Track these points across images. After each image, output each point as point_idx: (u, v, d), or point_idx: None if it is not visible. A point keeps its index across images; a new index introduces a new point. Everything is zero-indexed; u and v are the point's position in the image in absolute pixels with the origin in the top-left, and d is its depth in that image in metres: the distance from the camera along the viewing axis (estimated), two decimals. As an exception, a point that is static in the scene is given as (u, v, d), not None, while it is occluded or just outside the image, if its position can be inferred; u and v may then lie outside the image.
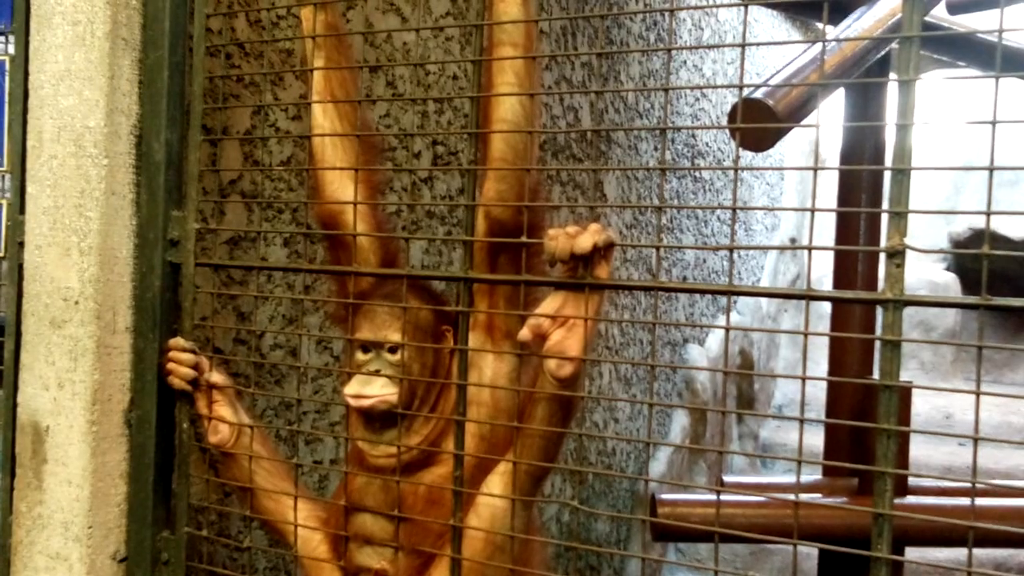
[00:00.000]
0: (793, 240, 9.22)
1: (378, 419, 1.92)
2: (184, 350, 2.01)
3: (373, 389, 1.89)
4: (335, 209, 2.03)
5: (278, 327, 2.66)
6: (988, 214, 1.43)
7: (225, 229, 2.40)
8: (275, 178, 2.63)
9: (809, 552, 3.54)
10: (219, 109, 2.12)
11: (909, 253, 1.48)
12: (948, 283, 9.49)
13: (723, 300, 7.14)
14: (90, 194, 2.00)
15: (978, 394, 1.44)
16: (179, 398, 2.04)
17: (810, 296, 1.56)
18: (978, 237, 9.35)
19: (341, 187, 2.02)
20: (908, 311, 1.47)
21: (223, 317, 2.43)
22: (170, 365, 2.01)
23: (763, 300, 8.41)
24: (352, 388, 1.89)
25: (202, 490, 2.22)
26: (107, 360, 2.02)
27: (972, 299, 1.43)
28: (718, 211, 6.98)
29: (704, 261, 6.77)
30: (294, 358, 2.66)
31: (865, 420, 3.08)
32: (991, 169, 1.42)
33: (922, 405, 7.93)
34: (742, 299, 7.98)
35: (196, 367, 2.00)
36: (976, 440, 1.46)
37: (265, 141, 2.53)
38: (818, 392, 3.64)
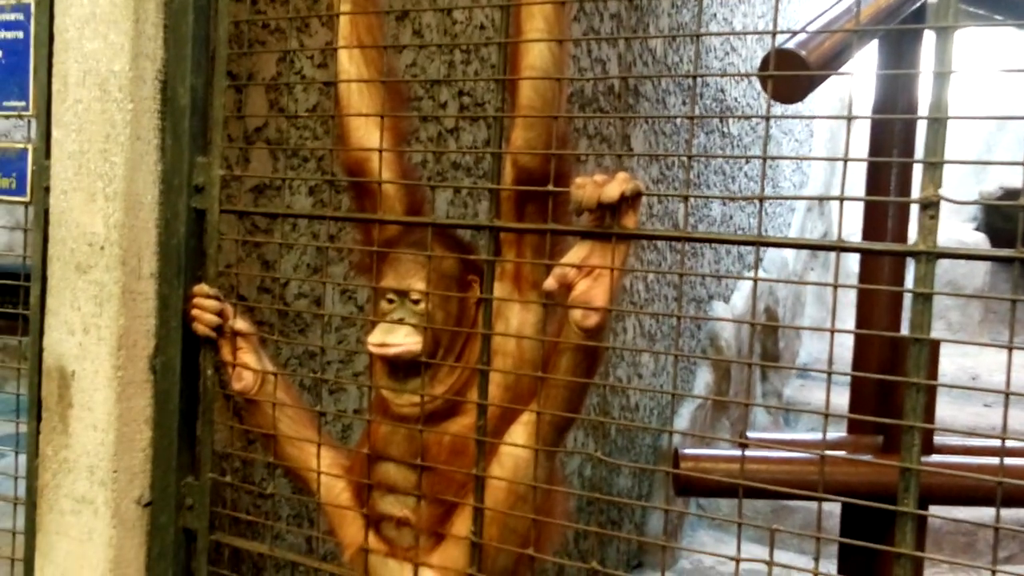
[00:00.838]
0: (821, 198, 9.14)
1: (402, 368, 1.91)
2: (208, 296, 2.01)
3: (397, 338, 1.88)
4: (361, 156, 2.01)
5: (302, 276, 2.65)
6: (1025, 166, 1.39)
7: (250, 176, 2.39)
8: (300, 126, 2.61)
9: (831, 510, 3.54)
10: (244, 55, 2.10)
11: (941, 210, 1.45)
12: (978, 242, 9.40)
13: (749, 258, 7.10)
14: (115, 139, 1.99)
15: (1011, 348, 1.42)
16: (203, 345, 2.04)
17: (840, 247, 1.53)
18: (1009, 196, 9.24)
19: (367, 134, 2.00)
20: (937, 271, 1.45)
21: (247, 265, 2.43)
22: (194, 311, 2.01)
23: (790, 257, 8.36)
24: (376, 337, 1.89)
25: (226, 437, 2.22)
26: (132, 306, 2.02)
27: (1007, 252, 1.41)
28: (746, 168, 6.92)
29: (731, 218, 6.72)
30: (318, 307, 2.66)
31: (893, 373, 3.07)
32: (1030, 119, 1.38)
33: (948, 366, 7.89)
34: (768, 257, 7.93)
35: (220, 314, 2.00)
36: (1007, 395, 1.44)
37: (291, 88, 2.51)
38: (844, 352, 3.61)
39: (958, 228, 9.57)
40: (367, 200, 2.03)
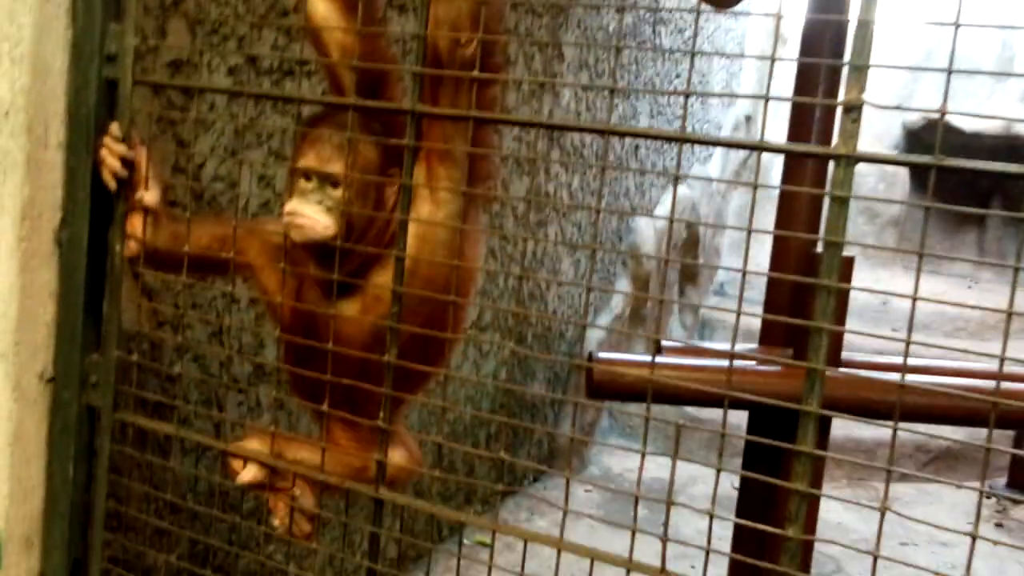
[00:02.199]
0: (748, 118, 9.18)
1: (315, 253, 1.89)
2: (117, 140, 1.94)
3: (310, 210, 1.84)
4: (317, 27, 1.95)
5: (219, 159, 2.58)
6: (948, 72, 1.40)
7: (167, 46, 2.30)
8: (222, 2, 2.52)
9: (739, 423, 3.61)
10: (163, -81, 2.01)
11: (863, 139, 1.45)
12: (897, 171, 9.54)
13: (670, 176, 7.07)
14: (23, -2, 1.90)
15: (921, 255, 1.44)
16: (113, 220, 1.99)
17: (762, 147, 1.53)
18: (931, 127, 9.37)
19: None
20: (855, 203, 1.45)
21: (161, 143, 2.36)
22: (102, 152, 1.94)
23: (714, 173, 8.42)
24: (291, 205, 1.85)
25: (134, 317, 2.18)
26: (37, 175, 1.95)
27: (926, 158, 1.41)
28: (675, 83, 6.89)
29: (661, 95, 6.70)
30: (234, 190, 2.60)
31: (806, 289, 3.10)
32: (955, 27, 1.38)
33: (860, 293, 8.05)
34: (691, 175, 7.97)
35: (131, 168, 1.94)
36: (914, 300, 1.46)
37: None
38: (761, 270, 3.65)
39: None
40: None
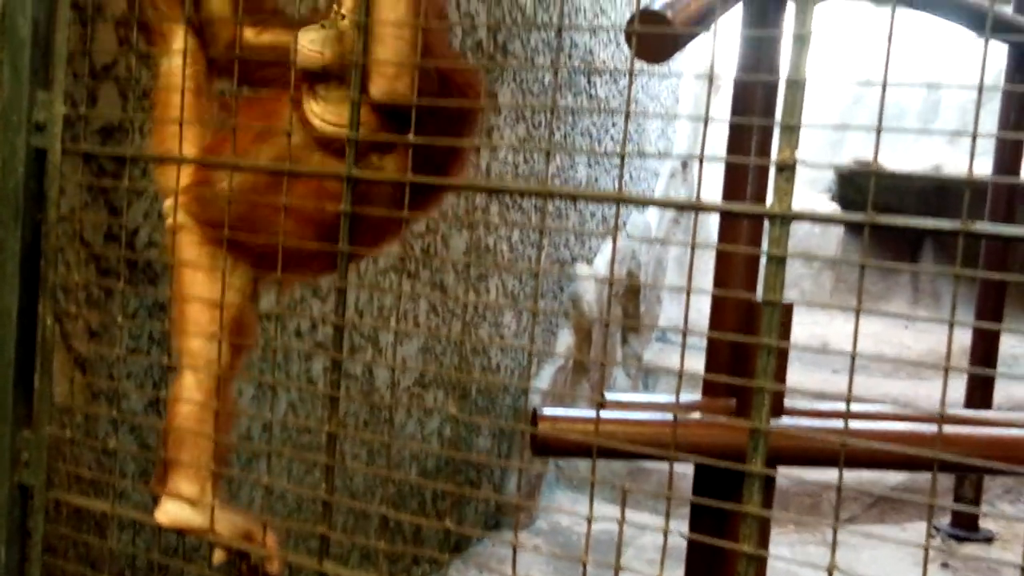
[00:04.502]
0: (684, 163, 9.29)
1: (312, 78, 1.87)
2: None
3: (310, 36, 1.82)
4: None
5: (152, 224, 2.54)
6: (878, 131, 1.42)
7: (96, 115, 2.27)
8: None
9: (685, 472, 3.61)
10: (91, -13, 1.99)
11: (797, 184, 1.47)
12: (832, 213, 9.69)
13: (612, 221, 7.15)
14: (-54, 70, 1.86)
15: (858, 311, 1.45)
16: (43, 293, 1.94)
17: (699, 207, 1.54)
18: (863, 172, 9.54)
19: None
20: (792, 242, 1.47)
21: (93, 210, 2.32)
22: None
23: (653, 222, 8.48)
24: (299, 34, 1.84)
25: (67, 390, 2.13)
26: (-36, 249, 1.91)
27: (858, 216, 1.43)
28: (612, 131, 6.96)
29: (596, 180, 6.76)
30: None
31: (749, 330, 3.13)
32: (883, 86, 1.40)
33: (800, 333, 8.13)
34: (632, 221, 8.03)
35: None
36: (853, 357, 1.47)
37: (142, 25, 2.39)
38: (701, 318, 3.67)
39: (813, 199, 9.84)
40: None
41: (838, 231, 9.82)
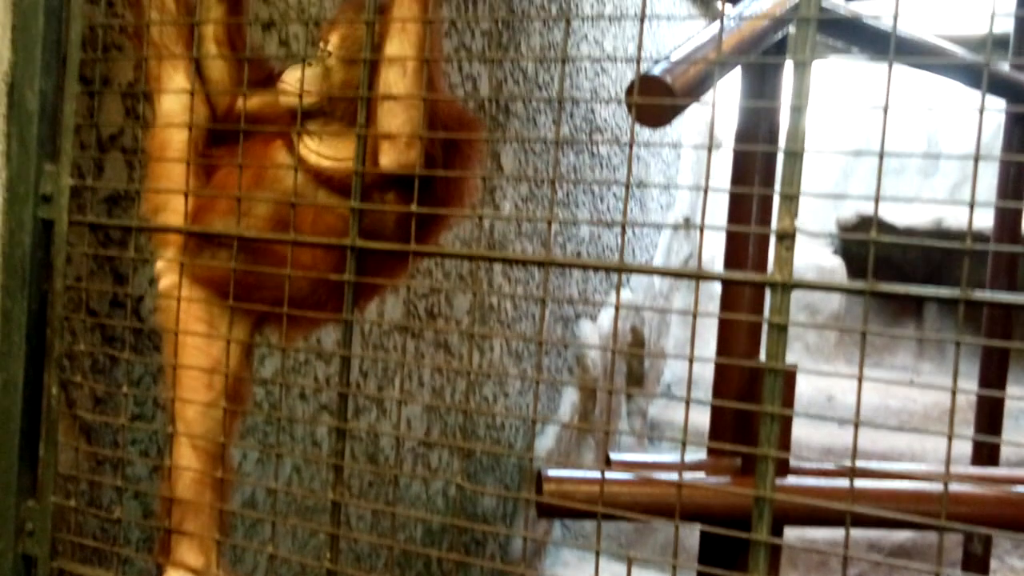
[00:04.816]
0: (687, 219, 9.32)
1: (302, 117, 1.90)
2: None
3: (292, 78, 1.88)
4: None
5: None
6: (876, 200, 1.43)
7: (102, 186, 2.29)
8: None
9: (691, 531, 3.60)
10: (98, 60, 2.02)
11: (799, 236, 1.48)
12: (835, 267, 9.69)
13: (616, 276, 7.18)
14: (-45, 144, 1.89)
15: (860, 379, 1.45)
16: (49, 362, 1.95)
17: (700, 276, 1.55)
18: (865, 223, 9.55)
19: None
20: (795, 293, 1.48)
21: (99, 278, 2.33)
22: None
23: (655, 278, 8.50)
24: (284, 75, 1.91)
25: (71, 459, 2.13)
26: (-30, 320, 1.92)
27: (858, 284, 1.44)
28: (615, 188, 7.00)
29: (599, 237, 6.79)
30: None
31: (751, 399, 3.13)
32: (880, 155, 1.42)
33: (805, 386, 8.10)
34: (634, 277, 8.05)
35: None
36: (856, 425, 1.47)
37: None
38: (706, 372, 3.67)
39: (816, 253, 9.85)
40: None
41: (841, 278, 9.81)
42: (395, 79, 1.75)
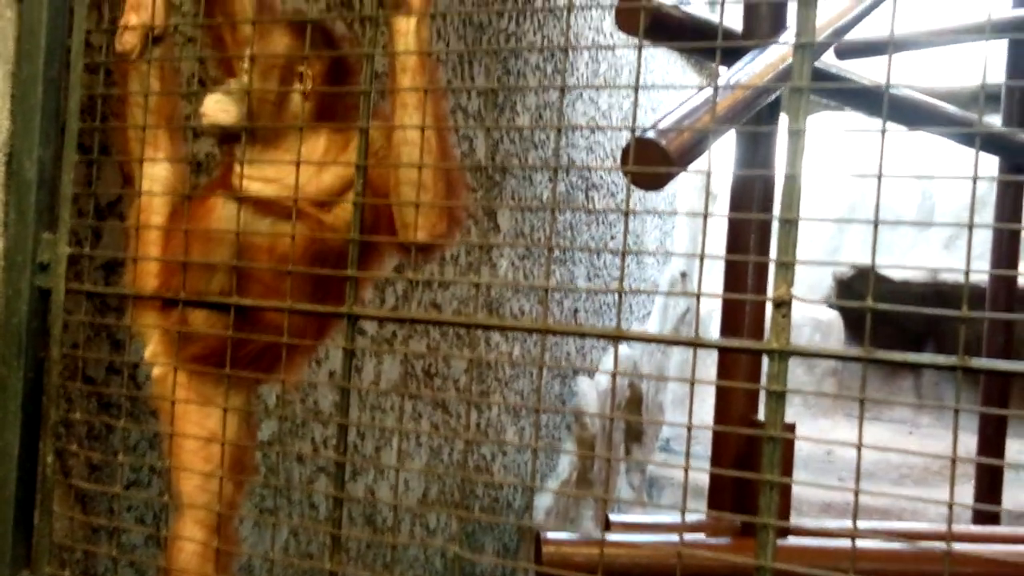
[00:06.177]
0: (683, 274, 9.34)
1: (225, 140, 1.96)
2: None
3: (214, 98, 1.91)
4: None
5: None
6: (872, 267, 1.44)
7: (99, 254, 2.30)
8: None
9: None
10: (96, 129, 2.03)
11: (796, 287, 1.48)
12: (832, 321, 9.71)
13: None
14: (-47, 214, 1.90)
15: (859, 447, 1.45)
16: (44, 431, 1.94)
17: (697, 344, 1.55)
18: (861, 276, 9.59)
19: None
20: (794, 334, 1.48)
21: (96, 345, 2.33)
22: None
23: (654, 329, 8.51)
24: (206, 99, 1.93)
25: (66, 527, 2.11)
26: (-34, 389, 1.92)
27: (855, 351, 1.44)
28: (611, 244, 7.02)
29: (596, 294, 6.81)
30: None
31: (750, 456, 3.12)
32: (875, 223, 1.43)
33: (804, 441, 8.08)
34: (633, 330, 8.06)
35: None
36: (856, 493, 1.46)
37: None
38: (706, 424, 3.66)
39: (813, 307, 9.88)
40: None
41: (839, 333, 9.82)
42: (417, 156, 1.76)
